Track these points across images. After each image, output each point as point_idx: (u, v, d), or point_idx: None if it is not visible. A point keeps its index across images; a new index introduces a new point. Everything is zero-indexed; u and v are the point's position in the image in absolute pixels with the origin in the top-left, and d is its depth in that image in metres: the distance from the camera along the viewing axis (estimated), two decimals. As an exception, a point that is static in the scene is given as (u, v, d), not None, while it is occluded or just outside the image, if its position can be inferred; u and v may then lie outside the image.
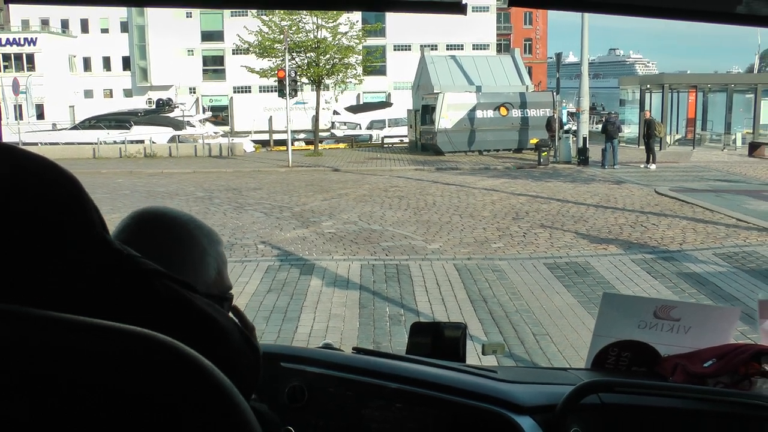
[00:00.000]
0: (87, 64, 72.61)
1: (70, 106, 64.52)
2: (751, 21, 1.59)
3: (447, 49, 58.73)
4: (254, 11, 39.61)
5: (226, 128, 49.49)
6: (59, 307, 0.91)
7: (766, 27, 1.64)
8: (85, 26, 71.90)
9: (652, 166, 28.05)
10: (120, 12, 69.06)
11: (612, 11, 1.63)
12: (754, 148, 33.09)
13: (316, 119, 38.20)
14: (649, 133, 28.85)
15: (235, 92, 60.61)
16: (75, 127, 45.78)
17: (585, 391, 1.86)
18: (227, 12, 63.06)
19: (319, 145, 39.19)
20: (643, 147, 30.17)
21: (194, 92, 65.84)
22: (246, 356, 1.13)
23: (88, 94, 69.98)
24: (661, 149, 31.85)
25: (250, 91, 59.93)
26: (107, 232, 1.04)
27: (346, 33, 36.87)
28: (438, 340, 2.32)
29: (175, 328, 0.97)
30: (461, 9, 1.47)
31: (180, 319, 1.06)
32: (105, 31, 71.96)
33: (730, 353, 2.17)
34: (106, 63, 73.05)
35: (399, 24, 62.45)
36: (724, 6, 1.58)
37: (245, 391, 1.08)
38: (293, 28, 36.15)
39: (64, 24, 71.13)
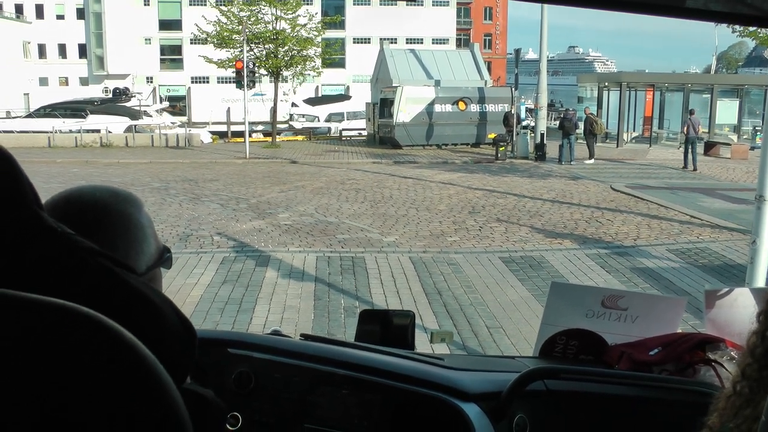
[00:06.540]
0: (42, 51, 70.71)
1: (24, 94, 63.11)
2: (700, 15, 1.61)
3: (406, 42, 58.69)
4: (212, 0, 39.29)
5: (184, 119, 49.07)
6: None
7: (712, 21, 1.65)
8: (40, 12, 69.90)
9: (590, 161, 28.48)
10: (77, -2, 67.96)
11: (554, 1, 1.64)
12: (709, 147, 33.47)
13: (274, 111, 37.98)
14: (590, 129, 29.15)
15: (192, 82, 60.03)
16: (30, 115, 45.04)
17: (530, 377, 1.86)
18: (185, 1, 62.44)
19: (277, 137, 39.00)
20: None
21: (151, 82, 65.14)
22: (180, 337, 1.11)
23: (43, 81, 68.41)
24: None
25: (208, 82, 59.41)
26: (42, 209, 1.02)
27: (304, 25, 36.63)
28: (387, 328, 2.32)
29: (108, 306, 0.96)
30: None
31: (113, 297, 1.04)
32: (61, 17, 70.10)
33: (675, 342, 2.20)
34: (62, 50, 71.30)
35: (358, 17, 62.28)
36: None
37: (180, 372, 1.07)
38: (252, 19, 35.90)
39: (18, 9, 69.24)
